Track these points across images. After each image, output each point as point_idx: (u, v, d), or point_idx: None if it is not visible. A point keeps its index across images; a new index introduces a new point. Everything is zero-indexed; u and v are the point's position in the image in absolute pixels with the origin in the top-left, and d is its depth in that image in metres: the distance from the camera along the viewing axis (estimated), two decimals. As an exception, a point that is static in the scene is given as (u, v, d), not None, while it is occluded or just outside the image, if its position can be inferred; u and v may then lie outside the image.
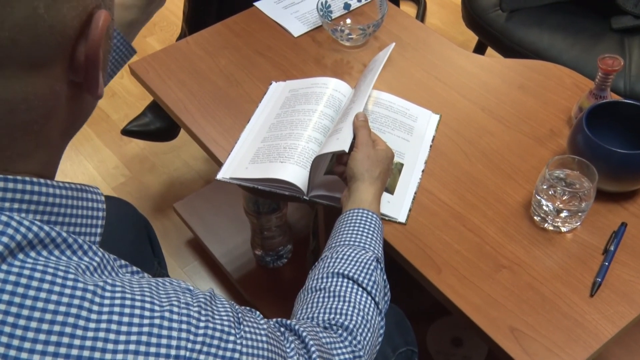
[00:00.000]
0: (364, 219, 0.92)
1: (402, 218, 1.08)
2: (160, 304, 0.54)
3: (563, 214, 1.03)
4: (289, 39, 1.45)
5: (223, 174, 1.13)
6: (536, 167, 1.15)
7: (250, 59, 1.41)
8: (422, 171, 1.15)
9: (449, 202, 1.11)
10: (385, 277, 0.89)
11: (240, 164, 1.13)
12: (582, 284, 0.99)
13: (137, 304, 0.53)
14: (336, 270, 0.84)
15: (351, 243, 0.89)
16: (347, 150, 1.00)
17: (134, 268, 0.59)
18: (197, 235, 1.75)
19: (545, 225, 1.05)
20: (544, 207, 1.03)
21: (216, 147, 1.22)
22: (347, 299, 0.81)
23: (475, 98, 1.30)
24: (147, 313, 0.53)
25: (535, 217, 1.06)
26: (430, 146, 1.20)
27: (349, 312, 0.79)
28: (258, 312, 0.66)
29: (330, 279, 0.83)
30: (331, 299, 0.81)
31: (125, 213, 1.21)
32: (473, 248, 1.04)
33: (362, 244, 0.89)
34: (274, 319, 0.72)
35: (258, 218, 1.53)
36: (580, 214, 1.03)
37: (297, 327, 0.71)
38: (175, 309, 0.54)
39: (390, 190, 1.10)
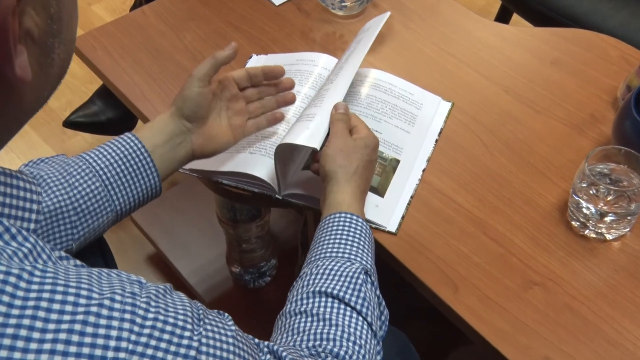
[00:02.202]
0: (344, 224, 0.93)
1: (391, 227, 1.08)
2: (100, 292, 0.56)
3: (608, 218, 1.03)
4: (269, 8, 1.44)
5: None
6: (574, 160, 1.15)
7: (222, 33, 1.40)
8: (423, 171, 1.15)
9: (467, 204, 1.11)
10: (378, 292, 0.89)
11: None
12: (633, 304, 0.98)
13: (72, 290, 0.55)
14: (317, 289, 0.85)
15: (333, 255, 0.90)
16: (318, 148, 1.00)
17: (78, 261, 0.61)
18: (160, 250, 1.75)
19: (586, 232, 1.05)
20: (584, 210, 1.03)
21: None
22: (333, 322, 0.81)
23: (498, 77, 1.30)
24: (82, 300, 0.55)
25: (573, 223, 1.07)
26: (436, 140, 1.19)
27: (337, 337, 0.79)
28: (228, 315, 0.68)
29: (311, 300, 0.84)
30: (314, 323, 0.81)
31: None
32: (497, 261, 1.04)
33: (346, 255, 0.90)
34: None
35: (235, 227, 1.53)
36: (629, 217, 1.03)
37: (276, 348, 0.72)
38: (118, 297, 0.57)
39: (380, 192, 1.10)
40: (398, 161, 1.14)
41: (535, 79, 1.29)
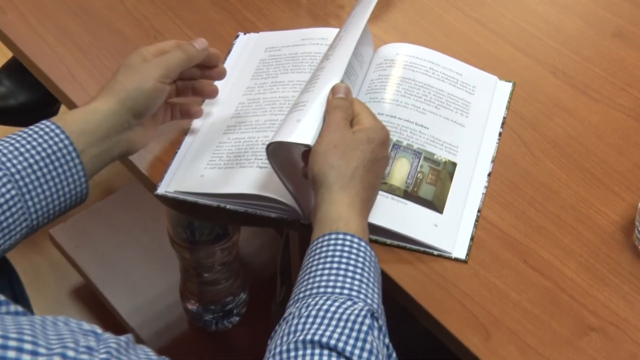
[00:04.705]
0: (342, 248, 0.93)
1: (459, 252, 1.08)
2: (47, 346, 0.57)
3: (686, 242, 1.04)
4: (238, -41, 1.45)
5: (165, 187, 1.13)
6: (642, 165, 1.16)
7: (176, -9, 1.41)
8: (489, 175, 1.16)
9: (501, 223, 1.11)
10: (387, 340, 0.89)
11: (191, 170, 1.14)
12: None
13: (12, 343, 0.56)
14: (308, 337, 0.84)
15: (328, 291, 0.90)
16: (311, 144, 1.00)
17: (19, 308, 0.62)
18: (90, 280, 1.75)
19: (658, 259, 1.06)
20: (656, 231, 1.04)
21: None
22: None
23: (543, 54, 1.30)
24: (26, 357, 0.55)
25: (641, 247, 1.07)
26: (500, 134, 1.20)
27: None
28: None
29: (301, 352, 0.84)
30: None
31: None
32: (541, 298, 1.04)
33: (345, 291, 0.89)
34: None
35: (192, 251, 1.53)
36: None
37: None
38: (71, 353, 0.57)
39: (438, 207, 1.10)
40: (454, 164, 1.15)
41: (592, 56, 1.29)
